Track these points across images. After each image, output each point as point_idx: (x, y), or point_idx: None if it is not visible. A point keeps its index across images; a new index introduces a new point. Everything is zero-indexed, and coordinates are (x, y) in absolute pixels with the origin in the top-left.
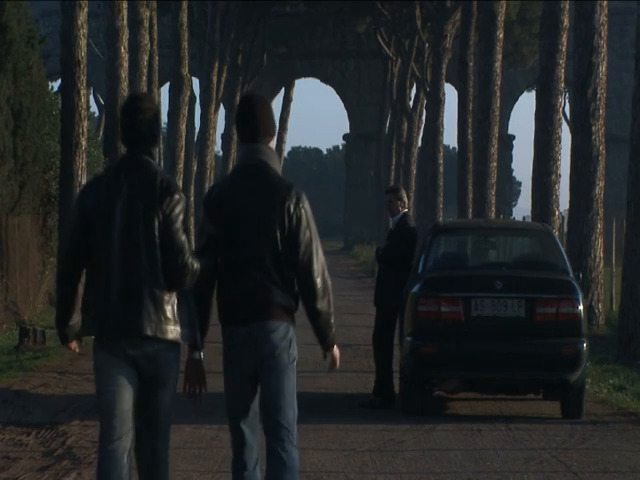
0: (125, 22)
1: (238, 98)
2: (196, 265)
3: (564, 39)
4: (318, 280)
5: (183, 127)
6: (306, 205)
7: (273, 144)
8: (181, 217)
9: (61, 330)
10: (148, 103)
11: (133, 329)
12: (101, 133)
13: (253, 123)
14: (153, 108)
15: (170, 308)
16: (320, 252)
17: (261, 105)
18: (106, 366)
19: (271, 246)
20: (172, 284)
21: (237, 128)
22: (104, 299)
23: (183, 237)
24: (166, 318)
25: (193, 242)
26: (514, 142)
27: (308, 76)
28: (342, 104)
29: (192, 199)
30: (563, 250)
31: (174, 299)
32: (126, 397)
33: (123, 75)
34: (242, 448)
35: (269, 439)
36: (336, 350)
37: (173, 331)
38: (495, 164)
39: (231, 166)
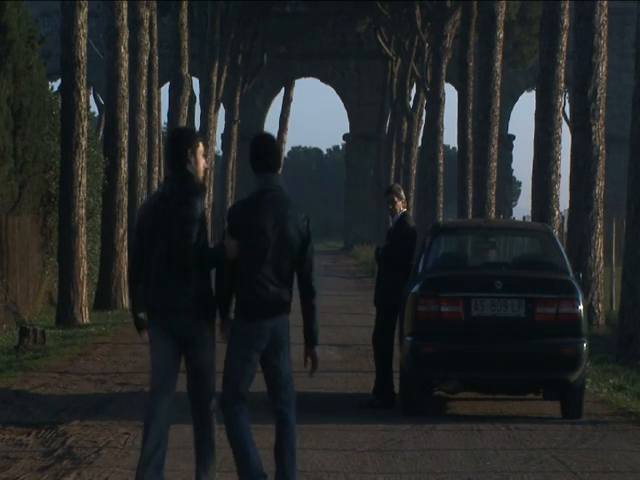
0: (125, 22)
1: (238, 98)
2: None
3: (564, 39)
4: (316, 283)
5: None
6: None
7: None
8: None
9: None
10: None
11: None
12: (101, 133)
13: (275, 157)
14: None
15: None
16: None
17: (275, 143)
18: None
19: (288, 256)
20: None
21: (256, 160)
22: None
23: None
24: None
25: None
26: (514, 142)
27: (308, 76)
28: (342, 104)
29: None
30: (563, 250)
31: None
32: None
33: (123, 75)
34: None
35: (283, 408)
36: (317, 350)
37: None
38: (495, 164)
39: (231, 166)
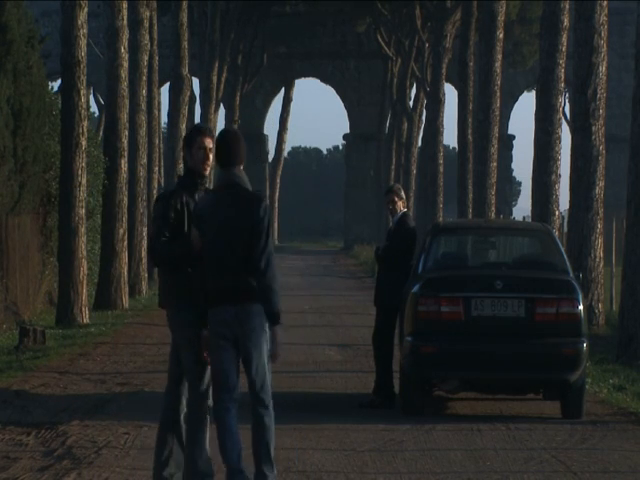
0: (125, 22)
1: (238, 98)
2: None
3: (564, 39)
4: (266, 265)
5: (183, 127)
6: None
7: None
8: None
9: None
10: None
11: None
12: (101, 133)
13: (228, 152)
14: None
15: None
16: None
17: (236, 138)
18: None
19: (243, 245)
20: None
21: (216, 156)
22: None
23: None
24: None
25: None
26: (514, 142)
27: (308, 76)
28: (342, 104)
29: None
30: (563, 250)
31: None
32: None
33: (123, 75)
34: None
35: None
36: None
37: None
38: (495, 164)
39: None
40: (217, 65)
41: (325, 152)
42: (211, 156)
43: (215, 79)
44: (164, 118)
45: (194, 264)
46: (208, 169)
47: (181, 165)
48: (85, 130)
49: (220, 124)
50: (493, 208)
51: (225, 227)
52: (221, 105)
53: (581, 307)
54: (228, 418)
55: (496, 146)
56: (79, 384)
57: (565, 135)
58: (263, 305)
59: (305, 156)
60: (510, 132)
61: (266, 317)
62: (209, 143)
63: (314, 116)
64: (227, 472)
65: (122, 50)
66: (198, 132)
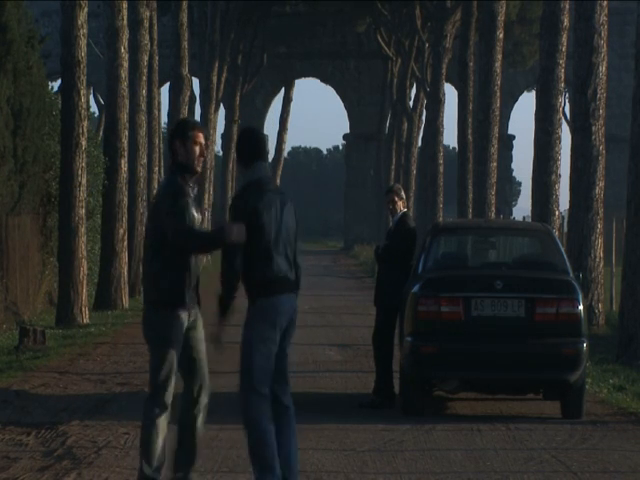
0: (125, 22)
1: (238, 98)
2: None
3: (564, 39)
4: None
5: None
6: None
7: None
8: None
9: None
10: None
11: None
12: (101, 133)
13: (264, 145)
14: None
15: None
16: None
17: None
18: None
19: (294, 239)
20: None
21: (249, 150)
22: None
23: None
24: None
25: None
26: (514, 142)
27: (308, 76)
28: (342, 104)
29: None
30: (563, 250)
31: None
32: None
33: (123, 75)
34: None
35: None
36: None
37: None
38: (495, 164)
39: (231, 166)
40: (217, 65)
41: (325, 152)
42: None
43: (215, 79)
44: (164, 118)
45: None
46: (201, 165)
47: None
48: (85, 130)
49: (220, 124)
50: (493, 208)
51: (286, 223)
52: (221, 105)
53: (581, 307)
54: (266, 422)
55: (496, 146)
56: (79, 384)
57: (565, 135)
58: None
59: (305, 156)
60: (510, 132)
61: None
62: (203, 139)
63: (314, 116)
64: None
65: (122, 50)
66: (194, 127)
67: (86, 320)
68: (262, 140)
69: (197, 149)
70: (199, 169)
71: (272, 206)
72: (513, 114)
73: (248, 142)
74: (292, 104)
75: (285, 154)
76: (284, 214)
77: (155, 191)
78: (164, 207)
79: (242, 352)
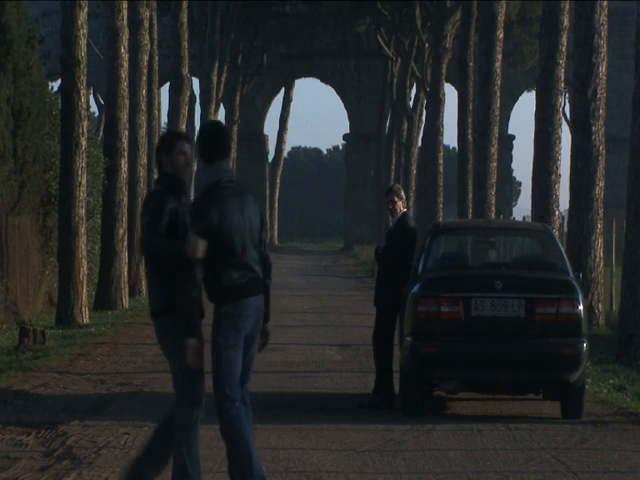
0: (125, 22)
1: (238, 98)
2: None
3: (564, 39)
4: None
5: (183, 127)
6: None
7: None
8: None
9: None
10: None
11: None
12: (101, 133)
13: (227, 142)
14: None
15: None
16: None
17: (226, 129)
18: None
19: (258, 238)
20: None
21: (210, 148)
22: None
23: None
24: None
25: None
26: (514, 142)
27: (308, 76)
28: (342, 104)
29: (192, 198)
30: (563, 250)
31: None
32: None
33: (123, 75)
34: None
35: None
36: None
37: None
38: (495, 164)
39: (231, 166)
40: (217, 65)
41: (325, 152)
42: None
43: (215, 79)
44: (164, 118)
45: (184, 266)
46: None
47: None
48: (85, 130)
49: None
50: (493, 208)
51: (249, 223)
52: (221, 105)
53: (581, 307)
54: (245, 423)
55: (496, 146)
56: (79, 384)
57: (565, 135)
58: (265, 301)
59: (305, 156)
60: (510, 132)
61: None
62: (189, 149)
63: (314, 116)
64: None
65: (122, 50)
66: (179, 137)
67: (86, 320)
68: (226, 137)
69: (182, 159)
70: (184, 179)
71: (233, 211)
72: (513, 114)
73: (211, 139)
74: (292, 104)
75: (285, 154)
76: (245, 215)
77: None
78: (142, 221)
79: (212, 360)
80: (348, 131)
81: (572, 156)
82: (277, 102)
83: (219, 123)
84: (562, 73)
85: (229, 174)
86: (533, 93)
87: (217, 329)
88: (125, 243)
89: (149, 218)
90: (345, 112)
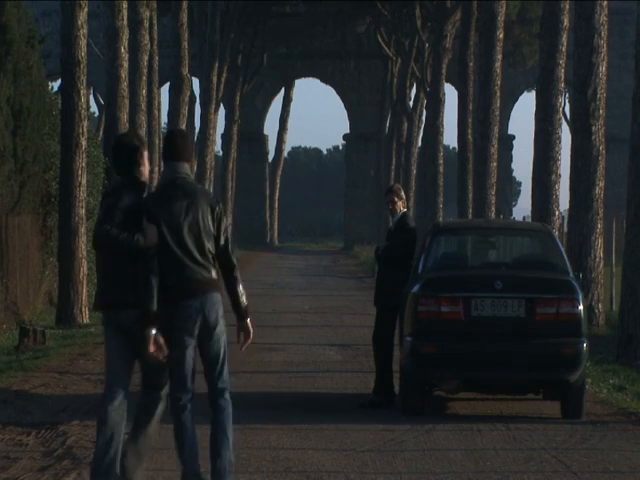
0: (125, 22)
1: (238, 98)
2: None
3: (564, 39)
4: (234, 256)
5: (183, 127)
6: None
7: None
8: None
9: None
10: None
11: None
12: (101, 133)
13: (180, 146)
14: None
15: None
16: None
17: (183, 137)
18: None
19: (204, 236)
20: None
21: (164, 150)
22: None
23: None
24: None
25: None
26: (514, 142)
27: (308, 76)
28: (342, 104)
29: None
30: (563, 250)
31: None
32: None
33: (123, 75)
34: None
35: (218, 397)
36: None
37: None
38: (495, 164)
39: (231, 166)
40: (217, 65)
41: (325, 152)
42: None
43: (215, 79)
44: (164, 118)
45: (140, 259)
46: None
47: None
48: (85, 130)
49: (220, 124)
50: (493, 208)
51: (193, 221)
52: (221, 105)
53: (581, 307)
54: (187, 420)
55: (496, 146)
56: (79, 384)
57: (565, 135)
58: (233, 298)
59: (305, 156)
60: (510, 132)
61: (237, 310)
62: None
63: (314, 116)
64: (183, 474)
65: (122, 50)
66: (143, 143)
67: (86, 320)
68: (176, 140)
69: (147, 163)
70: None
71: (173, 212)
72: (513, 114)
73: (165, 142)
74: (292, 104)
75: (285, 154)
76: (189, 215)
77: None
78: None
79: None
80: (348, 131)
81: (572, 156)
82: (277, 102)
83: (175, 129)
84: (562, 73)
85: (180, 174)
86: (533, 93)
87: (163, 330)
88: None
89: (103, 211)
90: (345, 112)
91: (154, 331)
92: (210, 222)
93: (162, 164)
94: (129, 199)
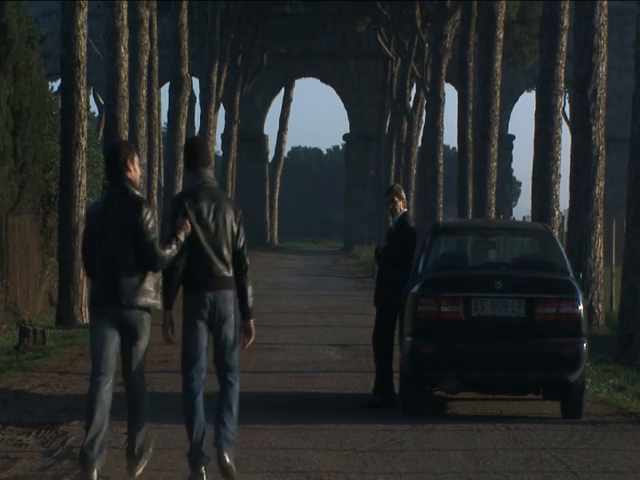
0: (125, 22)
1: (238, 98)
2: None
3: (564, 39)
4: (248, 260)
5: (183, 127)
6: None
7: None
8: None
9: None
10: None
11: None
12: (101, 133)
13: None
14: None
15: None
16: None
17: (203, 143)
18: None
19: (226, 238)
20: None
21: (190, 158)
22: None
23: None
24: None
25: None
26: (514, 142)
27: (308, 76)
28: (342, 104)
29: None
30: (563, 250)
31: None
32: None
33: (123, 75)
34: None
35: (226, 375)
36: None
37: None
38: (495, 164)
39: (231, 166)
40: (217, 65)
41: (325, 152)
42: None
43: (215, 79)
44: (164, 118)
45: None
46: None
47: (181, 165)
48: (85, 130)
49: (220, 124)
50: (493, 208)
51: (221, 222)
52: (221, 105)
53: (581, 307)
54: (194, 398)
55: (496, 146)
56: (79, 384)
57: (565, 135)
58: (243, 298)
59: (305, 156)
60: (510, 132)
61: (244, 310)
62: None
63: (314, 116)
64: (191, 450)
65: (122, 50)
66: (132, 148)
67: (86, 320)
68: (198, 148)
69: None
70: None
71: (202, 212)
72: (513, 114)
73: (188, 151)
74: (292, 104)
75: (285, 154)
76: (217, 217)
77: (152, 193)
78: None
79: None
80: (348, 131)
81: (572, 156)
82: (277, 102)
83: (194, 137)
84: (562, 73)
85: (207, 179)
86: (533, 93)
87: (183, 313)
88: None
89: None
90: (345, 112)
91: (169, 316)
92: (233, 225)
93: (163, 164)
94: (148, 209)
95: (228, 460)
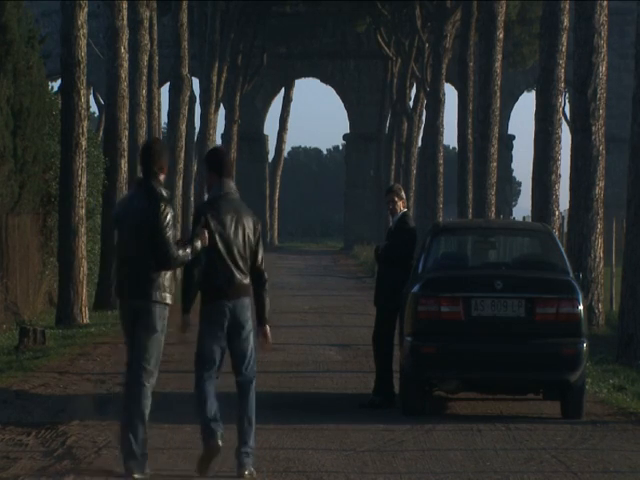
0: (125, 22)
1: (238, 98)
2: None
3: (564, 39)
4: (265, 272)
5: (183, 127)
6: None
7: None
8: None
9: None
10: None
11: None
12: (101, 133)
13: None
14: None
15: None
16: None
17: (226, 154)
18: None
19: (246, 249)
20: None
21: (217, 168)
22: None
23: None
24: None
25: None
26: (514, 142)
27: (308, 76)
28: (342, 104)
29: (192, 199)
30: (563, 250)
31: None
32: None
33: (123, 75)
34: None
35: (244, 381)
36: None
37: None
38: (495, 164)
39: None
40: (217, 65)
41: (325, 152)
42: None
43: (215, 79)
44: (164, 118)
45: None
46: None
47: (181, 166)
48: (85, 130)
49: (220, 124)
50: (493, 208)
51: (241, 233)
52: (221, 105)
53: (581, 307)
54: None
55: (496, 146)
56: (79, 384)
57: (565, 135)
58: (260, 306)
59: (305, 156)
60: (510, 132)
61: (260, 317)
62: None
63: (314, 116)
64: (203, 425)
65: (122, 50)
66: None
67: (86, 320)
68: (221, 158)
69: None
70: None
71: (224, 223)
72: (513, 114)
73: (211, 160)
74: (292, 104)
75: (285, 154)
76: (238, 228)
77: (161, 195)
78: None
79: None
80: (348, 131)
81: (572, 156)
82: (277, 102)
83: (217, 147)
84: (562, 73)
85: (230, 190)
86: (533, 93)
87: (200, 320)
88: None
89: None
90: (345, 112)
91: (186, 318)
92: (252, 236)
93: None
94: (169, 209)
95: (247, 472)
